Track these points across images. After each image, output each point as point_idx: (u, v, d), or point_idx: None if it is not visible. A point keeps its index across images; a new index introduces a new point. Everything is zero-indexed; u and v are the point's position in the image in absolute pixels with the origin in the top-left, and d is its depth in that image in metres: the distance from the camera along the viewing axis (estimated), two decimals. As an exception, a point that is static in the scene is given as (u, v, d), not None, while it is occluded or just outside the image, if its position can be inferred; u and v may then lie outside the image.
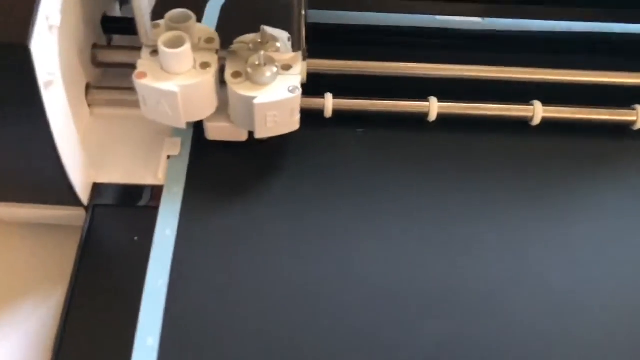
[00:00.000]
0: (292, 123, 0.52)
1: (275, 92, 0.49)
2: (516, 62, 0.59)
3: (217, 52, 0.51)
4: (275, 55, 0.50)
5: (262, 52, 0.49)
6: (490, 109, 0.57)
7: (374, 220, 0.52)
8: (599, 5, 0.63)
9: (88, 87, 0.56)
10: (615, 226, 0.53)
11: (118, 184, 0.54)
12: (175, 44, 0.48)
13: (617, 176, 0.56)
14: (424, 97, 0.57)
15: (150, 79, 0.48)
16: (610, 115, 0.58)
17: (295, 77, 0.50)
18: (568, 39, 0.65)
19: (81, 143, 0.51)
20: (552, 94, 0.58)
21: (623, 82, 0.59)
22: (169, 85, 0.48)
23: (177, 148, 0.55)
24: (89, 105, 0.57)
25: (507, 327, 0.47)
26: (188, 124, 0.52)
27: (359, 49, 0.62)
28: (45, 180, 0.49)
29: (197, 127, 0.55)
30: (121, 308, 0.47)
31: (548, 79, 0.59)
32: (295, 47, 0.51)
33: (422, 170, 0.55)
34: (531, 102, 0.57)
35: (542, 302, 0.48)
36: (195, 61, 0.49)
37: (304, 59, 0.53)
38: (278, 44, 0.51)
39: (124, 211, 0.53)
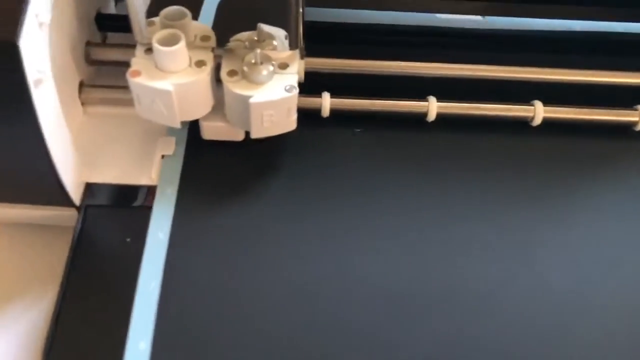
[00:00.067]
0: (289, 123, 0.51)
1: (272, 91, 0.48)
2: (517, 61, 0.58)
3: (213, 50, 0.50)
4: (272, 54, 0.49)
5: (259, 51, 0.48)
6: (491, 109, 0.57)
7: (372, 221, 0.51)
8: (601, 4, 0.62)
9: (81, 85, 0.55)
10: (616, 227, 0.52)
11: (111, 184, 0.53)
12: (170, 41, 0.47)
13: (618, 177, 0.55)
14: (423, 97, 0.56)
15: (144, 78, 0.47)
16: (612, 115, 0.57)
17: (292, 76, 0.49)
18: (569, 38, 0.64)
19: (74, 142, 0.50)
20: (553, 93, 0.57)
21: (625, 82, 0.58)
22: (164, 83, 0.47)
23: (171, 147, 0.54)
24: (82, 104, 0.56)
25: (507, 327, 0.47)
26: (183, 123, 0.51)
27: (357, 48, 0.62)
28: (35, 180, 0.48)
29: (192, 126, 0.55)
30: (113, 311, 0.46)
31: (549, 79, 0.58)
32: (293, 46, 0.50)
33: (421, 170, 0.55)
34: (532, 102, 0.57)
35: (542, 302, 0.48)
36: (190, 59, 0.49)
37: (301, 58, 0.52)
38: (275, 42, 0.50)
39: (116, 212, 0.52)
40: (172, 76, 0.48)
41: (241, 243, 0.50)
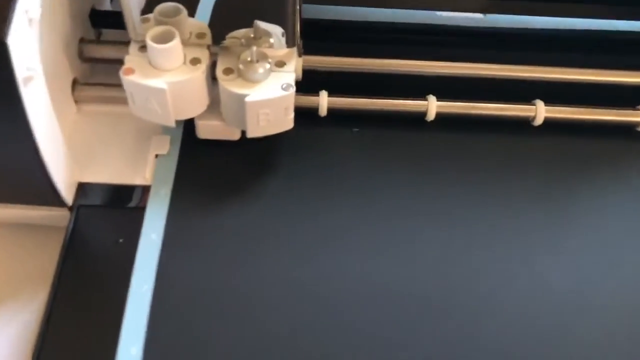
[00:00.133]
0: (285, 122, 0.50)
1: (268, 89, 0.48)
2: (518, 60, 0.58)
3: (208, 47, 0.49)
4: (269, 51, 0.49)
5: (255, 48, 0.47)
6: (491, 109, 0.56)
7: (371, 221, 0.51)
8: (604, 2, 0.61)
9: (74, 82, 0.55)
10: (617, 228, 0.52)
11: (104, 184, 0.52)
12: (165, 39, 0.46)
13: (620, 178, 0.55)
14: (422, 96, 0.56)
15: (138, 76, 0.47)
16: (615, 115, 0.56)
17: (289, 74, 0.49)
18: (571, 37, 0.64)
19: (66, 141, 0.50)
20: (554, 93, 0.57)
21: (628, 82, 0.57)
22: (158, 82, 0.46)
23: (166, 147, 0.53)
24: (76, 102, 0.55)
25: (507, 327, 0.46)
26: (178, 121, 0.51)
27: (356, 46, 0.61)
28: (26, 180, 0.47)
29: (188, 125, 0.54)
30: (105, 314, 0.45)
31: (550, 78, 0.58)
32: (290, 43, 0.49)
33: (420, 171, 0.54)
34: (533, 101, 0.56)
35: (542, 303, 0.48)
36: (185, 57, 0.48)
37: (299, 55, 0.51)
38: (272, 40, 0.49)
39: (109, 212, 0.51)
40: (167, 74, 0.47)
41: (236, 245, 0.49)
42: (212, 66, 0.49)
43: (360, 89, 0.56)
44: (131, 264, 0.47)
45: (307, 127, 0.54)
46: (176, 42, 0.46)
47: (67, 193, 0.50)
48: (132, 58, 0.48)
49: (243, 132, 0.52)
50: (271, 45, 0.49)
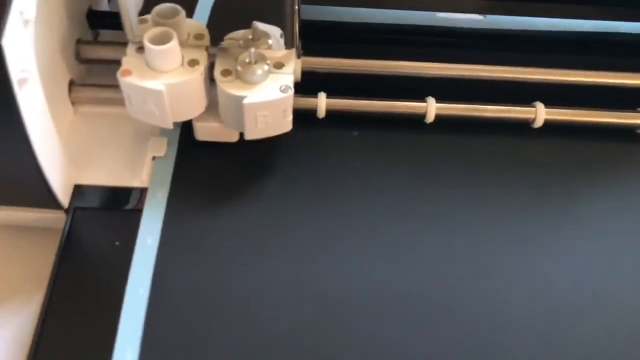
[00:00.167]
0: (284, 124, 0.50)
1: (266, 91, 0.47)
2: (517, 61, 0.57)
3: (206, 49, 0.49)
4: (267, 53, 0.48)
5: (253, 50, 0.47)
6: (491, 111, 0.56)
7: (369, 225, 0.51)
8: (605, 3, 0.61)
9: (71, 84, 0.54)
10: (619, 231, 0.51)
11: (100, 186, 0.52)
12: (162, 40, 0.46)
13: (621, 180, 0.54)
14: (421, 98, 0.55)
15: (135, 77, 0.46)
16: (616, 117, 0.56)
17: (288, 76, 0.48)
18: (572, 38, 0.63)
19: (63, 143, 0.49)
20: (554, 95, 0.56)
21: (629, 84, 0.57)
22: (155, 83, 0.46)
23: (163, 148, 0.53)
24: (73, 103, 0.55)
25: (508, 331, 0.46)
26: (175, 123, 0.50)
27: (355, 47, 0.61)
28: (22, 182, 0.47)
29: (185, 126, 0.53)
30: (100, 317, 0.45)
31: (551, 80, 0.57)
32: (289, 45, 0.49)
33: (419, 173, 0.54)
34: (533, 103, 0.56)
35: (544, 306, 0.47)
36: (183, 58, 0.47)
37: (298, 57, 0.51)
38: (270, 41, 0.49)
39: (106, 214, 0.51)
40: (164, 76, 0.46)
41: (234, 248, 0.49)
42: (210, 67, 0.49)
43: (358, 90, 0.55)
44: (127, 267, 0.47)
45: (305, 129, 0.54)
46: (174, 44, 0.46)
47: (63, 195, 0.49)
48: (129, 59, 0.47)
49: (241, 134, 0.52)
50: (270, 47, 0.49)
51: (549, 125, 0.55)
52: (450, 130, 0.56)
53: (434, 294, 0.47)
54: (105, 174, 0.52)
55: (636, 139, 0.57)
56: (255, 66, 0.47)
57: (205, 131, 0.52)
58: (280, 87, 0.47)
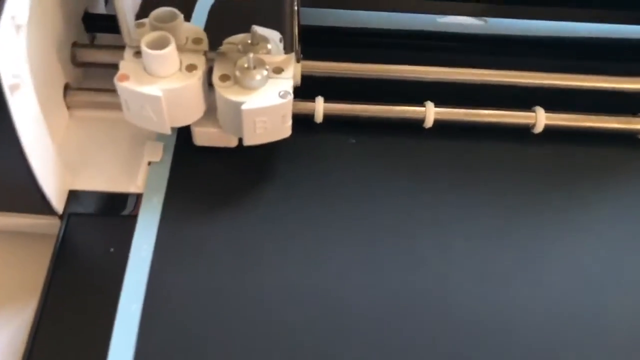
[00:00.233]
0: (283, 129, 0.49)
1: (265, 97, 0.47)
2: (518, 65, 0.57)
3: (205, 53, 0.48)
4: (266, 58, 0.48)
5: (252, 55, 0.46)
6: (490, 116, 0.55)
7: (367, 232, 0.50)
8: (607, 7, 0.61)
9: (67, 88, 0.54)
10: (620, 236, 0.51)
11: (95, 192, 0.51)
12: (160, 44, 0.45)
13: (622, 186, 0.54)
14: (419, 102, 0.55)
15: (132, 82, 0.46)
16: (617, 123, 0.56)
17: (287, 81, 0.48)
18: (573, 43, 0.63)
19: (58, 148, 0.49)
20: (555, 100, 0.56)
21: (630, 88, 0.57)
22: (152, 89, 0.45)
23: (159, 154, 0.52)
24: (68, 107, 0.55)
25: (506, 337, 0.46)
26: (173, 128, 0.50)
27: (353, 51, 0.60)
28: (15, 188, 0.47)
29: (182, 131, 0.53)
30: (94, 325, 0.45)
31: (551, 84, 0.57)
32: (288, 49, 0.48)
33: (417, 179, 0.53)
34: (533, 108, 0.55)
35: (544, 313, 0.47)
36: (181, 63, 0.47)
37: (297, 61, 0.51)
38: (269, 46, 0.48)
39: (101, 220, 0.50)
40: (162, 81, 0.46)
41: (231, 256, 0.48)
42: (209, 72, 0.48)
43: (357, 94, 0.55)
44: (122, 274, 0.46)
45: (304, 133, 0.53)
46: (171, 49, 0.45)
47: (57, 201, 0.49)
48: (126, 64, 0.47)
49: (240, 139, 0.51)
50: (269, 51, 0.48)
51: (549, 130, 0.55)
52: (449, 135, 0.55)
53: (433, 300, 0.47)
54: (101, 179, 0.52)
55: (637, 144, 0.56)
56: (254, 71, 0.47)
57: (204, 136, 0.52)
58: (280, 92, 0.47)
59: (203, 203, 0.50)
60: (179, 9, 0.47)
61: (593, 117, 0.55)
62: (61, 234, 0.49)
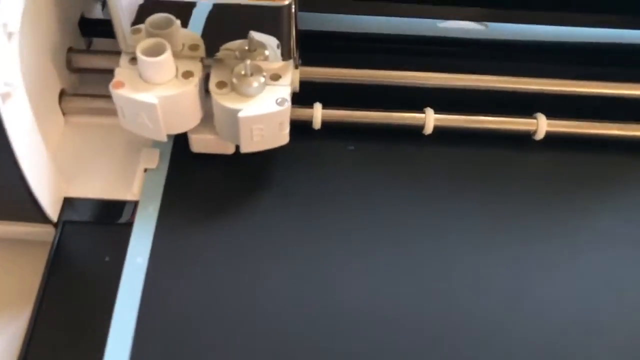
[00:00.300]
0: (280, 137, 0.49)
1: (262, 104, 0.46)
2: (518, 71, 0.57)
3: (201, 60, 0.47)
4: (264, 64, 0.47)
5: (249, 62, 0.46)
6: (491, 122, 0.55)
7: (367, 238, 0.50)
8: (610, 12, 0.60)
9: (62, 94, 0.53)
10: (624, 245, 0.50)
11: (90, 199, 0.51)
12: (156, 51, 0.45)
13: (625, 193, 0.53)
14: (419, 109, 0.54)
15: (128, 89, 0.45)
16: (619, 129, 0.55)
17: (285, 88, 0.47)
18: (574, 48, 0.62)
19: (53, 154, 0.49)
20: (557, 106, 0.56)
21: (633, 95, 0.56)
22: (148, 96, 0.45)
23: (155, 160, 0.52)
24: (63, 114, 0.54)
25: (507, 353, 0.45)
26: (170, 135, 0.49)
27: (352, 57, 0.60)
28: (8, 197, 0.46)
29: (179, 137, 0.53)
30: (88, 336, 0.44)
31: (552, 90, 0.56)
32: (286, 56, 0.48)
33: (417, 186, 0.53)
34: (535, 114, 0.55)
35: (544, 323, 0.46)
36: (177, 70, 0.47)
37: (296, 67, 0.50)
38: (267, 52, 0.48)
39: (96, 229, 0.50)
40: (158, 88, 0.45)
41: (227, 266, 0.47)
42: (206, 79, 0.48)
43: (356, 101, 0.54)
44: (117, 284, 0.46)
45: (302, 140, 0.52)
46: (167, 55, 0.45)
47: (51, 209, 0.48)
48: (122, 71, 0.46)
49: (237, 146, 0.51)
50: (266, 58, 0.48)
51: (550, 137, 0.54)
52: (449, 142, 0.55)
53: (433, 308, 0.47)
54: (96, 187, 0.51)
55: (640, 151, 0.56)
56: (251, 78, 0.46)
57: (201, 143, 0.51)
58: (277, 99, 0.46)
59: (200, 211, 0.50)
60: (176, 15, 0.46)
61: (595, 124, 0.55)
62: (56, 242, 0.49)
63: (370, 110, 0.54)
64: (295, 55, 0.49)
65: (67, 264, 0.48)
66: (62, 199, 0.50)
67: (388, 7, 0.60)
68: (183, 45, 0.47)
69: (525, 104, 0.56)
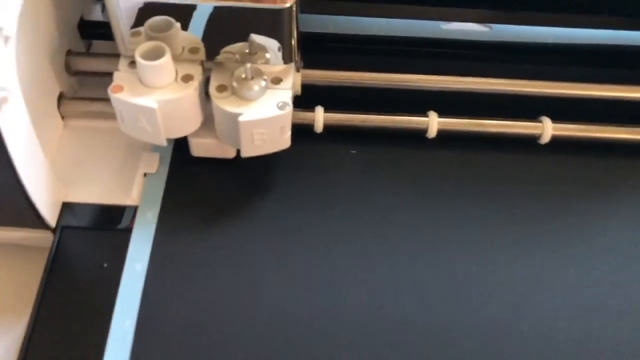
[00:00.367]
0: (282, 141, 0.48)
1: (263, 108, 0.46)
2: (523, 74, 0.56)
3: (201, 63, 0.47)
4: (264, 68, 0.47)
5: (249, 65, 0.45)
6: (495, 126, 0.54)
7: (369, 245, 0.49)
8: (615, 13, 0.59)
9: (61, 97, 0.53)
10: (630, 250, 0.50)
11: (89, 204, 0.50)
12: (155, 54, 0.44)
13: (632, 198, 0.53)
14: (422, 112, 0.54)
15: (127, 93, 0.45)
16: (625, 133, 0.55)
17: (286, 92, 0.47)
18: (580, 50, 0.61)
19: (51, 158, 0.49)
20: (563, 109, 0.55)
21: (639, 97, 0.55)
22: (147, 100, 0.45)
23: (155, 165, 0.52)
24: (62, 117, 0.54)
25: (511, 352, 0.45)
26: (170, 139, 0.49)
27: (354, 60, 0.59)
28: (5, 202, 0.46)
29: (178, 141, 0.52)
30: (86, 343, 0.44)
31: (558, 93, 0.56)
32: (287, 59, 0.47)
33: (420, 192, 0.52)
34: (540, 118, 0.54)
35: (544, 339, 0.46)
36: (177, 73, 0.46)
37: (297, 70, 0.50)
38: (267, 55, 0.47)
39: (94, 234, 0.49)
40: (157, 92, 0.45)
41: (227, 274, 0.47)
42: (206, 82, 0.47)
43: (358, 104, 0.54)
44: (116, 289, 0.45)
45: (303, 144, 0.52)
46: (166, 59, 0.44)
47: (49, 214, 0.48)
48: (121, 74, 0.46)
49: (238, 150, 0.50)
50: (267, 61, 0.47)
51: (556, 141, 0.54)
52: (453, 146, 0.55)
53: (436, 316, 0.46)
54: (95, 191, 0.51)
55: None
56: (252, 82, 0.46)
57: (201, 147, 0.51)
58: (278, 103, 0.46)
59: (199, 216, 0.50)
60: (176, 18, 0.46)
61: (601, 128, 0.54)
62: (54, 248, 0.48)
63: (373, 114, 0.54)
64: (296, 58, 0.48)
65: (65, 269, 0.47)
66: (60, 203, 0.50)
67: (390, 8, 0.59)
68: (183, 48, 0.47)
69: (531, 107, 0.55)
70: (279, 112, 0.45)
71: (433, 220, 0.51)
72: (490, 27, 0.62)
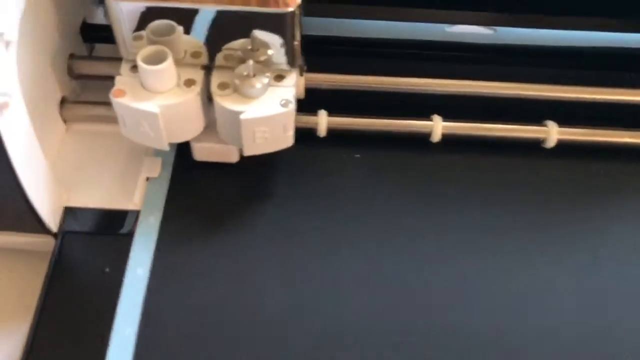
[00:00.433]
0: (284, 139, 0.48)
1: (265, 106, 0.45)
2: (528, 76, 0.56)
3: (204, 67, 0.47)
4: (267, 65, 0.46)
5: (251, 62, 0.45)
6: (500, 130, 0.54)
7: (373, 250, 0.49)
8: (624, 15, 0.59)
9: (63, 101, 0.53)
10: (636, 257, 0.49)
11: (91, 209, 0.50)
12: (157, 59, 0.44)
13: (638, 203, 0.52)
14: (427, 116, 0.54)
15: (129, 98, 0.45)
16: (631, 137, 0.54)
17: (289, 90, 0.46)
18: (587, 53, 0.61)
19: (53, 163, 0.49)
20: (568, 113, 0.54)
21: (647, 101, 0.55)
22: (149, 105, 0.44)
23: (157, 169, 0.51)
24: (64, 121, 0.54)
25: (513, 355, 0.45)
26: (172, 144, 0.49)
27: (358, 63, 0.58)
28: (6, 207, 0.46)
29: (181, 145, 0.52)
30: (87, 349, 0.44)
31: (564, 97, 0.55)
32: (290, 63, 0.47)
33: (424, 196, 0.52)
34: (545, 122, 0.54)
35: (548, 345, 0.45)
36: (179, 78, 0.46)
37: (301, 74, 0.49)
38: (270, 52, 0.47)
39: (96, 239, 0.49)
40: (159, 96, 0.45)
41: (229, 280, 0.47)
42: (209, 86, 0.47)
43: (362, 108, 0.54)
44: (117, 295, 0.45)
45: (307, 148, 0.52)
46: (168, 63, 0.44)
47: (51, 219, 0.48)
48: (123, 79, 0.46)
49: (241, 154, 0.50)
50: (270, 58, 0.47)
51: (562, 145, 0.54)
52: (457, 150, 0.54)
53: (440, 320, 0.46)
54: (97, 196, 0.51)
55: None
56: (254, 79, 0.45)
57: (204, 151, 0.51)
58: (281, 101, 0.46)
59: (202, 221, 0.49)
60: (178, 22, 0.45)
61: (608, 132, 0.54)
62: (56, 253, 0.48)
63: (377, 118, 0.54)
64: (300, 62, 0.48)
65: (67, 274, 0.47)
66: (62, 208, 0.50)
67: (394, 11, 0.59)
68: (185, 52, 0.47)
69: (536, 111, 0.55)
70: (281, 110, 0.45)
71: (437, 224, 0.50)
72: (495, 30, 0.62)
